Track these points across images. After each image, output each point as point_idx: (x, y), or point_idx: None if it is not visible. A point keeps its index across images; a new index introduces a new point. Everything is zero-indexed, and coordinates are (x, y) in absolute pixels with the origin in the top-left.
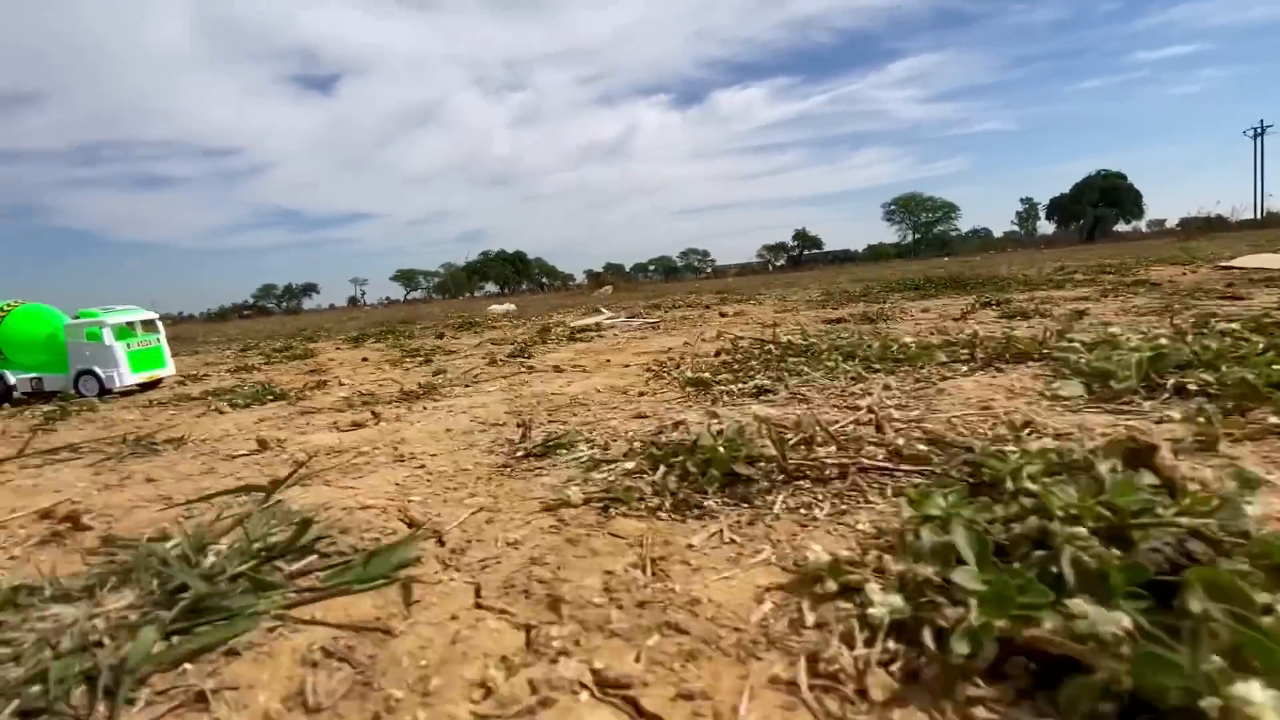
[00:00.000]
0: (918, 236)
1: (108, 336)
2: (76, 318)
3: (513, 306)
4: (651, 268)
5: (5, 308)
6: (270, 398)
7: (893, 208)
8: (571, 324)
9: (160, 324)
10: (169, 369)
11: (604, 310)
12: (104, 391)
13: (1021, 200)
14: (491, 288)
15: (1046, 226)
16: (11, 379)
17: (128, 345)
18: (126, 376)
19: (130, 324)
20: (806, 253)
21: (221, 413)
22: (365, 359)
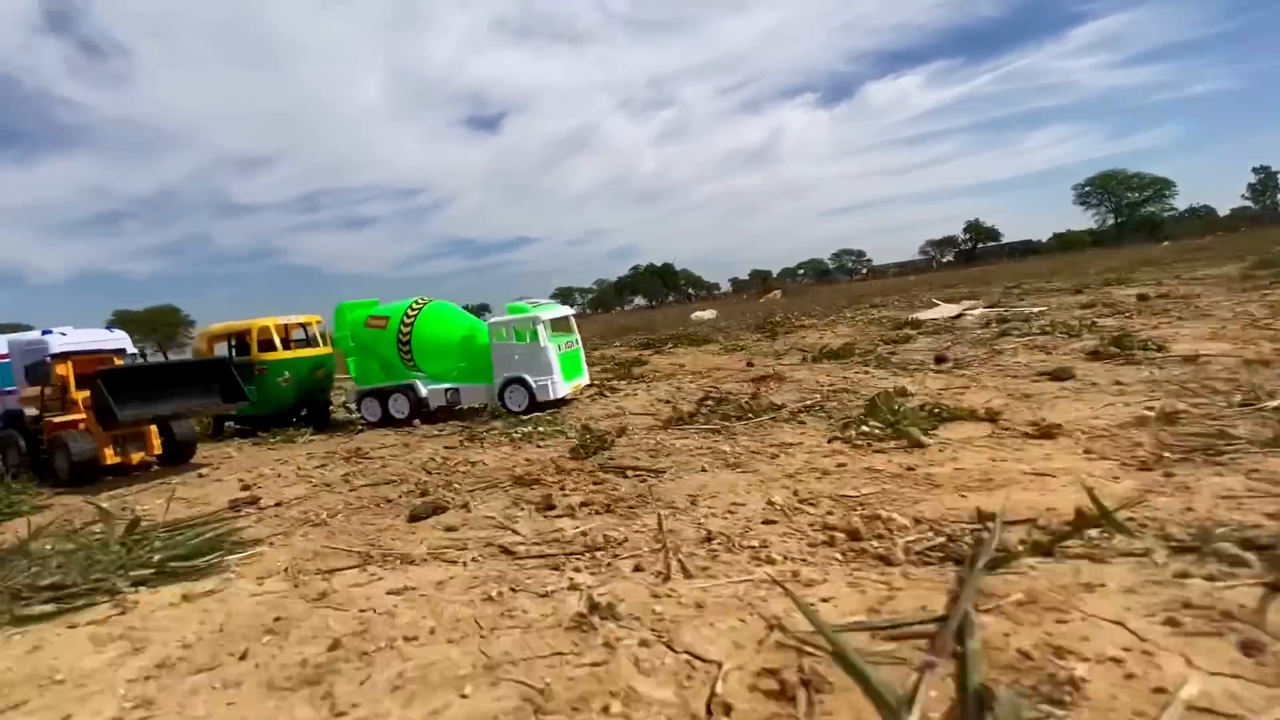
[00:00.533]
0: (1120, 220)
1: (543, 336)
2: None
3: (714, 313)
4: (801, 271)
5: (416, 305)
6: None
7: (1087, 189)
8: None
9: (574, 322)
10: (586, 378)
11: (941, 303)
12: (534, 407)
13: (1255, 170)
14: (640, 300)
15: None
16: (424, 390)
17: (559, 348)
18: (560, 387)
19: (556, 321)
20: (981, 246)
21: None
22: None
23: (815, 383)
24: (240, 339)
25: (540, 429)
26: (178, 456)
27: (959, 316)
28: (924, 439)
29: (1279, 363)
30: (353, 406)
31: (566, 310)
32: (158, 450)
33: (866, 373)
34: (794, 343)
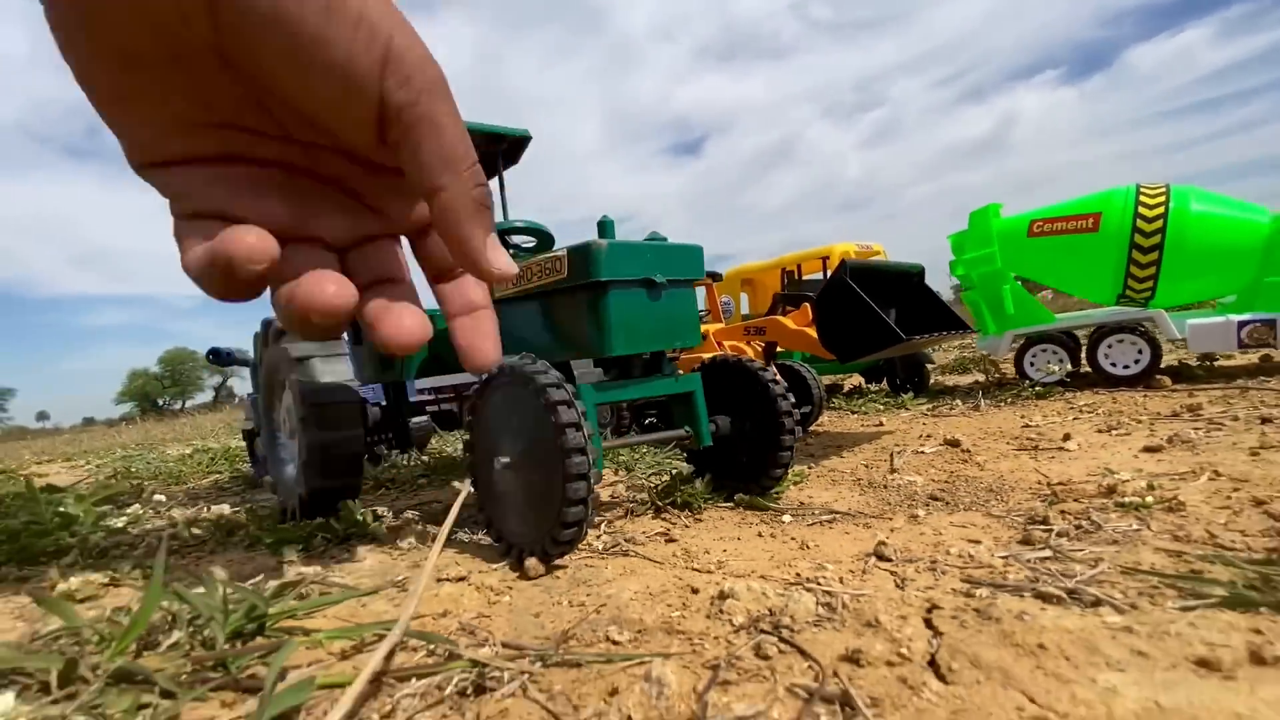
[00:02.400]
0: None
1: None
2: None
3: None
4: None
5: (1154, 190)
6: None
7: None
8: None
9: None
10: None
11: None
12: None
13: None
14: None
15: None
16: (1178, 329)
17: None
18: None
19: None
20: None
21: None
22: None
23: None
24: (794, 276)
25: None
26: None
27: None
28: None
29: None
30: (1000, 359)
31: None
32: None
33: None
34: None
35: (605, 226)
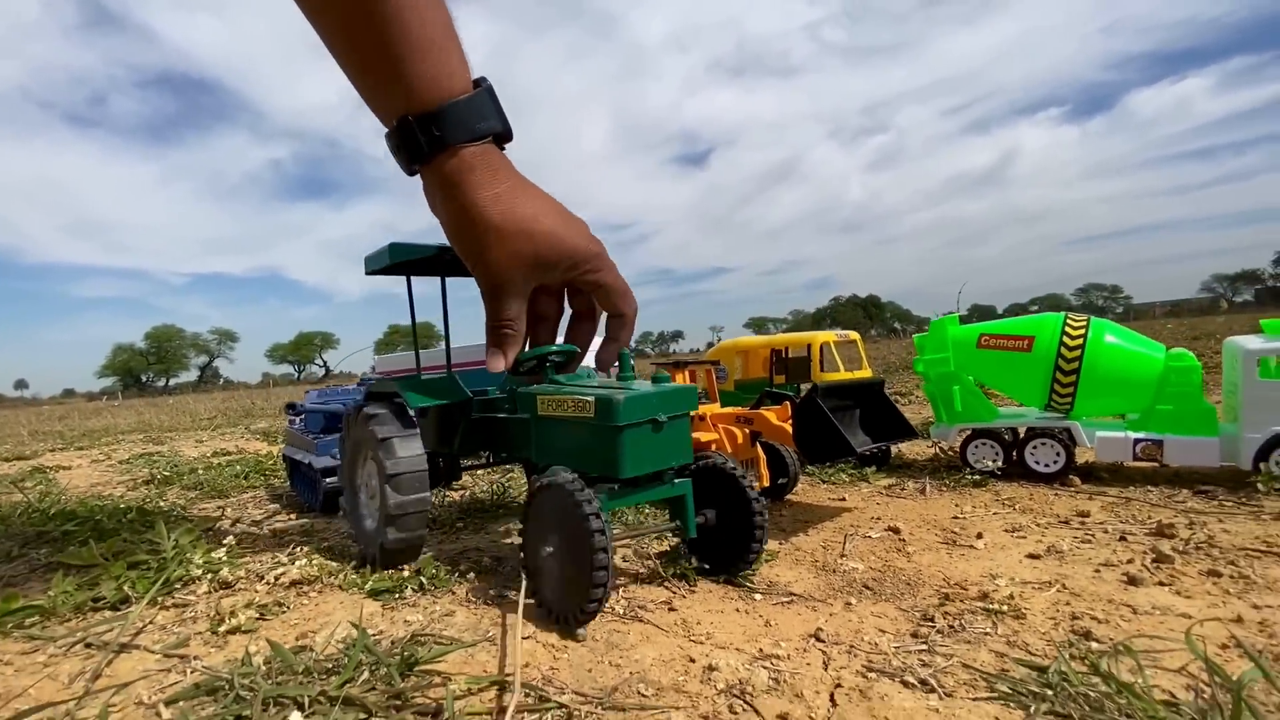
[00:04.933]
0: None
1: None
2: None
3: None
4: (1034, 308)
5: (1078, 321)
6: None
7: None
8: None
9: None
10: None
11: None
12: None
13: None
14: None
15: None
16: (1086, 437)
17: None
18: None
19: None
20: None
21: None
22: None
23: None
24: (782, 355)
25: None
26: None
27: None
28: None
29: None
30: (947, 446)
31: None
32: (766, 483)
33: None
34: None
35: (624, 360)
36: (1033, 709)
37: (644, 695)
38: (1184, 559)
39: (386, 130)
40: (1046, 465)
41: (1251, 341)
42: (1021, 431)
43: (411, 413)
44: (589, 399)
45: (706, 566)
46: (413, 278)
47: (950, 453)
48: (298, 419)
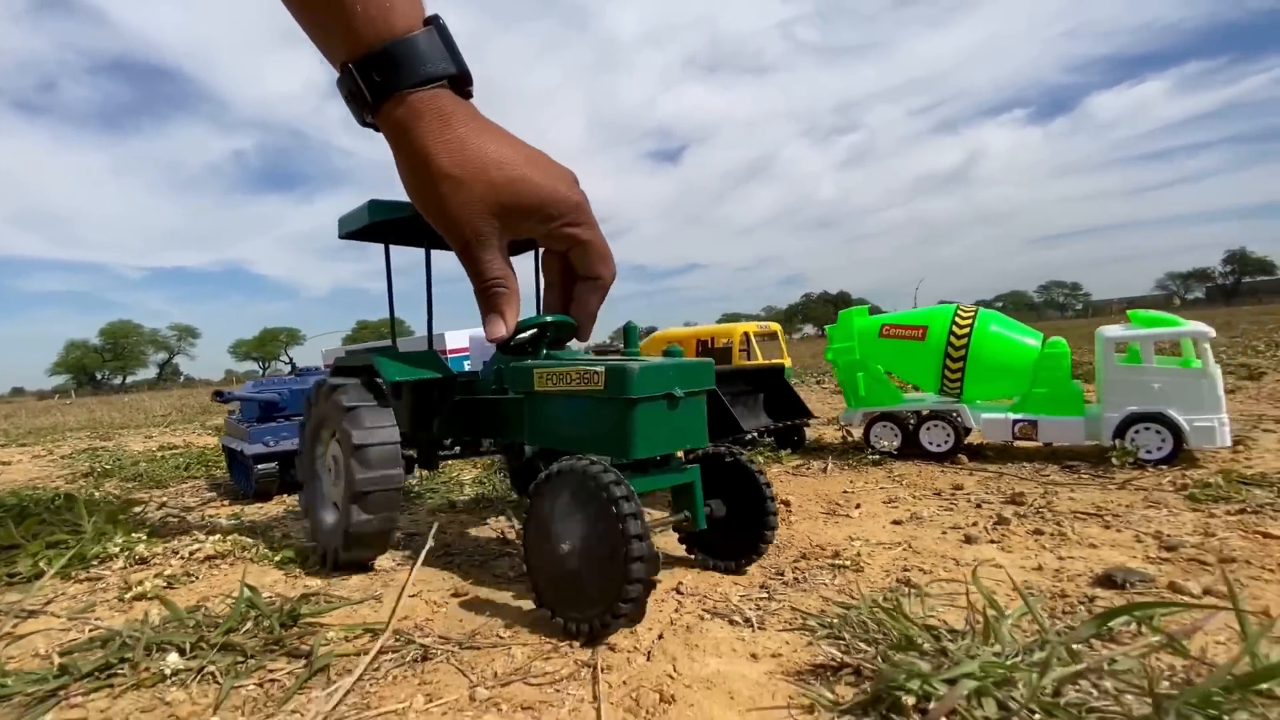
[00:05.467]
0: None
1: (1209, 358)
2: (1132, 323)
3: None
4: (999, 304)
5: (966, 312)
6: None
7: None
8: None
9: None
10: None
11: None
12: (1176, 452)
13: None
14: (810, 329)
15: None
16: (973, 419)
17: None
18: (1228, 431)
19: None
20: (1248, 280)
21: None
22: None
23: None
24: (708, 345)
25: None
26: None
27: None
28: None
29: None
30: (853, 430)
31: (1205, 330)
32: None
33: None
34: None
35: (630, 333)
36: (818, 633)
37: (500, 637)
38: (1019, 522)
39: (337, 78)
40: (939, 445)
41: (1111, 330)
42: (919, 414)
43: (385, 389)
44: (598, 370)
45: (710, 560)
46: (394, 247)
47: (857, 435)
48: (235, 410)
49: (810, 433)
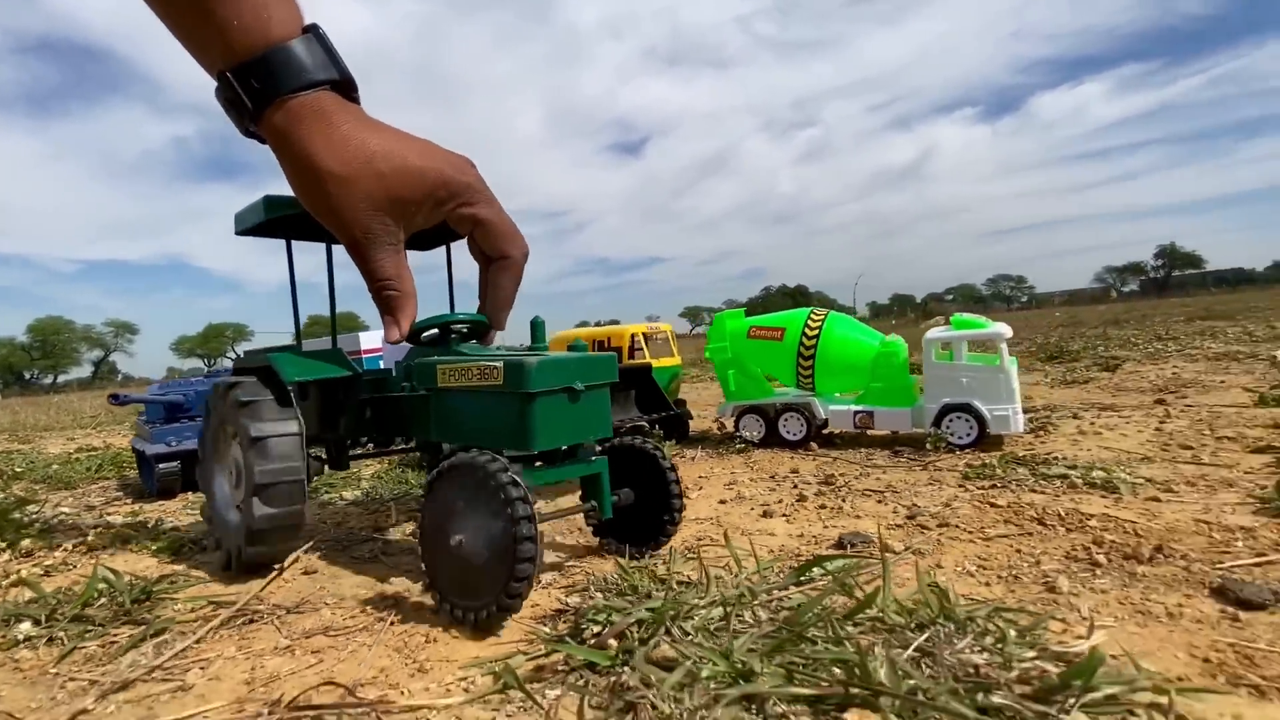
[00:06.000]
0: None
1: (1005, 356)
2: (955, 326)
3: (1008, 329)
4: (949, 297)
5: (817, 316)
6: None
7: None
8: None
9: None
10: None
11: None
12: (981, 438)
13: None
14: None
15: None
16: (823, 410)
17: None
18: (1021, 419)
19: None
20: (1177, 273)
21: None
22: None
23: None
24: (603, 346)
25: (1042, 470)
26: None
27: None
28: None
29: None
30: (727, 422)
31: (1004, 330)
32: None
33: None
34: (1159, 381)
35: (537, 328)
36: (574, 589)
37: (328, 604)
38: (816, 499)
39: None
40: (794, 434)
41: (934, 332)
42: (778, 407)
43: (290, 389)
44: (496, 365)
45: (620, 545)
46: (297, 242)
47: (731, 426)
48: (143, 412)
49: (696, 425)
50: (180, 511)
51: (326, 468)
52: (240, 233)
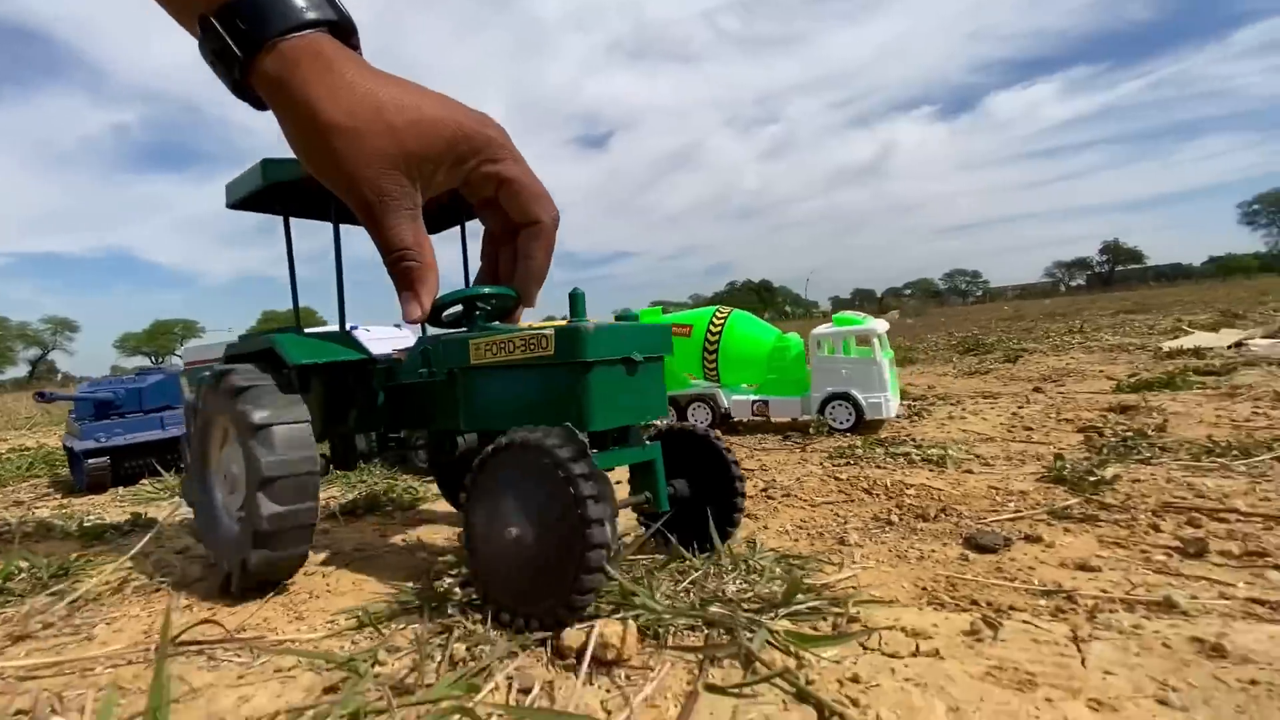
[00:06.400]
0: None
1: (877, 350)
2: (836, 322)
3: (886, 324)
4: (908, 292)
5: (721, 314)
6: None
7: (1255, 207)
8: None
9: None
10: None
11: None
12: (859, 423)
13: None
14: None
15: None
16: (726, 400)
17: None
18: (893, 405)
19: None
20: (1120, 269)
21: None
22: None
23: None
24: None
25: (902, 449)
26: None
27: (1239, 345)
28: None
29: None
30: None
31: (882, 325)
32: None
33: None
34: (1046, 368)
35: (577, 300)
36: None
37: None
38: None
39: (198, 42)
40: (702, 422)
41: (819, 329)
42: (688, 398)
43: (291, 377)
44: (546, 333)
45: (672, 543)
46: (297, 220)
47: None
48: (74, 409)
49: None
50: (108, 504)
51: (332, 467)
52: (232, 205)
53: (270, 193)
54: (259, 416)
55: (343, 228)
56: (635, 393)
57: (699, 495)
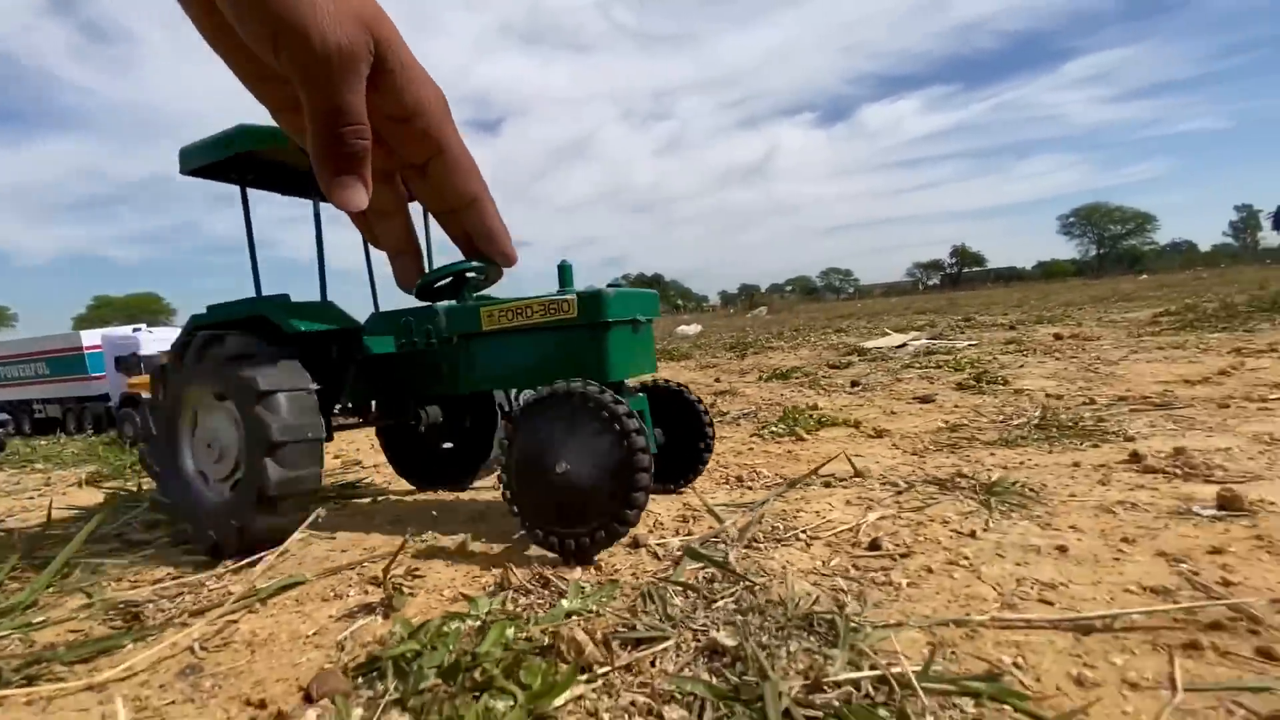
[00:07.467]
0: (1103, 251)
1: None
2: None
3: (699, 327)
4: (789, 288)
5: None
6: None
7: (1071, 220)
8: (865, 345)
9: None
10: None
11: (892, 332)
12: None
13: (1237, 208)
14: None
15: (1272, 238)
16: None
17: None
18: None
19: None
20: (966, 270)
21: None
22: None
23: (759, 398)
24: None
25: None
26: None
27: (902, 346)
28: (805, 436)
29: (1071, 398)
30: None
31: None
32: None
33: (800, 391)
34: (757, 363)
35: (565, 271)
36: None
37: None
38: None
39: None
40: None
41: None
42: None
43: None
44: (567, 297)
45: (657, 483)
46: (265, 197)
47: None
48: None
49: None
50: None
51: None
52: (189, 172)
53: (236, 162)
54: (265, 383)
55: (322, 206)
56: (637, 350)
57: (675, 440)
